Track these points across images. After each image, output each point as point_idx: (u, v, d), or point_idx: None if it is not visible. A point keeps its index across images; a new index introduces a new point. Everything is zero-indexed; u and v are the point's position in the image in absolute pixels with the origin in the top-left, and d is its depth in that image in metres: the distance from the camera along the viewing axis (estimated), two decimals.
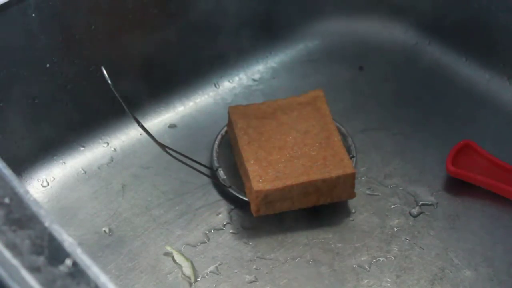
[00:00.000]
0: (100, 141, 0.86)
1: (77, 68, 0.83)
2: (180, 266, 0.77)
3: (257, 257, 0.78)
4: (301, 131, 0.81)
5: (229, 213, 0.81)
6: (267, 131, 0.81)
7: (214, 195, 0.82)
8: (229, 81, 0.92)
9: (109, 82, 0.76)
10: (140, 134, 0.86)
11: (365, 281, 0.76)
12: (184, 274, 0.77)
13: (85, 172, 0.84)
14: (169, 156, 0.80)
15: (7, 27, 0.77)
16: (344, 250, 0.78)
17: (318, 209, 0.80)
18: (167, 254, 0.78)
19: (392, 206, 0.82)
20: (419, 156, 0.85)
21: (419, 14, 0.94)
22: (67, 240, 0.54)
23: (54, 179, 0.83)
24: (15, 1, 0.76)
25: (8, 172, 0.59)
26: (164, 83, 0.89)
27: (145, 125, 0.80)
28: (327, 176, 0.77)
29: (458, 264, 0.77)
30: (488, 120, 0.88)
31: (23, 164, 0.82)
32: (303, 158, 0.79)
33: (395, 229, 0.80)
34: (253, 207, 0.78)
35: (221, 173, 0.82)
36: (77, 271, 0.53)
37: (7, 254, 0.54)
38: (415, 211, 0.81)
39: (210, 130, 0.86)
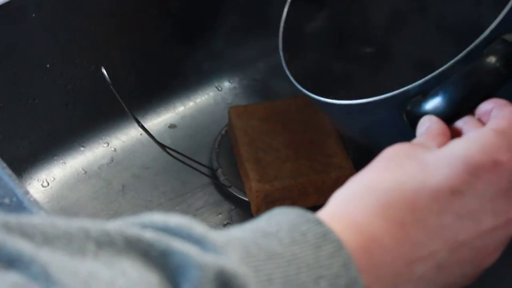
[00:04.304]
0: (100, 141, 0.86)
1: (77, 68, 0.83)
2: None
3: None
4: (301, 131, 0.81)
5: (229, 213, 0.81)
6: (267, 131, 0.81)
7: (214, 195, 0.82)
8: (229, 81, 0.92)
9: (109, 82, 0.76)
10: (140, 134, 0.86)
11: None
12: None
13: (85, 172, 0.84)
14: (169, 156, 0.80)
15: (7, 27, 0.77)
16: None
17: (318, 209, 0.80)
18: None
19: None
20: None
21: None
22: None
23: (54, 179, 0.83)
24: (15, 1, 0.76)
25: (8, 172, 0.59)
26: (164, 83, 0.89)
27: (145, 125, 0.80)
28: (327, 176, 0.77)
29: None
30: None
31: (23, 164, 0.82)
32: (303, 158, 0.79)
33: None
34: (253, 207, 0.78)
35: (221, 173, 0.82)
36: None
37: None
38: None
39: (210, 130, 0.86)
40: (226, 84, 0.92)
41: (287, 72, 0.67)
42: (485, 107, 0.51)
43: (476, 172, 0.45)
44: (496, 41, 0.53)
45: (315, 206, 0.80)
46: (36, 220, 0.35)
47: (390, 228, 0.43)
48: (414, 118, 0.54)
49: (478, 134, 0.48)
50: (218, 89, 0.91)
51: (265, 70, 0.93)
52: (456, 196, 0.45)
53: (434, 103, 0.53)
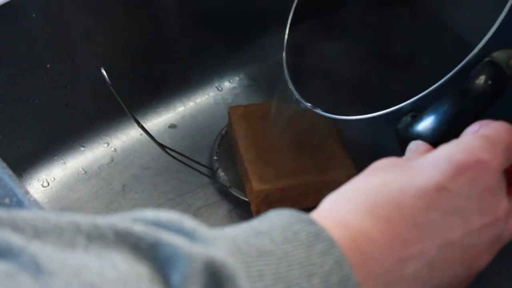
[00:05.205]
0: (100, 141, 0.86)
1: (77, 68, 0.83)
2: None
3: None
4: (301, 131, 0.81)
5: (229, 213, 0.81)
6: (267, 131, 0.81)
7: (214, 195, 0.82)
8: (229, 81, 0.92)
9: (109, 82, 0.76)
10: (140, 134, 0.86)
11: None
12: None
13: (86, 172, 0.84)
14: (169, 156, 0.80)
15: (7, 27, 0.77)
16: None
17: None
18: None
19: None
20: None
21: None
22: None
23: (54, 179, 0.83)
24: (15, 1, 0.76)
25: (8, 172, 0.59)
26: (164, 83, 0.89)
27: (145, 125, 0.80)
28: (327, 177, 0.77)
29: None
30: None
31: (23, 164, 0.82)
32: (303, 159, 0.79)
33: None
34: (253, 207, 0.78)
35: (221, 173, 0.82)
36: None
37: None
38: None
39: (210, 130, 0.86)
40: (226, 84, 0.92)
41: (292, 87, 0.68)
42: (471, 129, 0.52)
43: (460, 170, 0.47)
44: (483, 61, 0.54)
45: (315, 207, 0.80)
46: (27, 214, 0.36)
47: (377, 224, 0.44)
48: (404, 140, 0.56)
49: (462, 139, 0.50)
50: (218, 89, 0.91)
51: (265, 70, 0.93)
52: (441, 193, 0.46)
53: (421, 126, 0.54)
